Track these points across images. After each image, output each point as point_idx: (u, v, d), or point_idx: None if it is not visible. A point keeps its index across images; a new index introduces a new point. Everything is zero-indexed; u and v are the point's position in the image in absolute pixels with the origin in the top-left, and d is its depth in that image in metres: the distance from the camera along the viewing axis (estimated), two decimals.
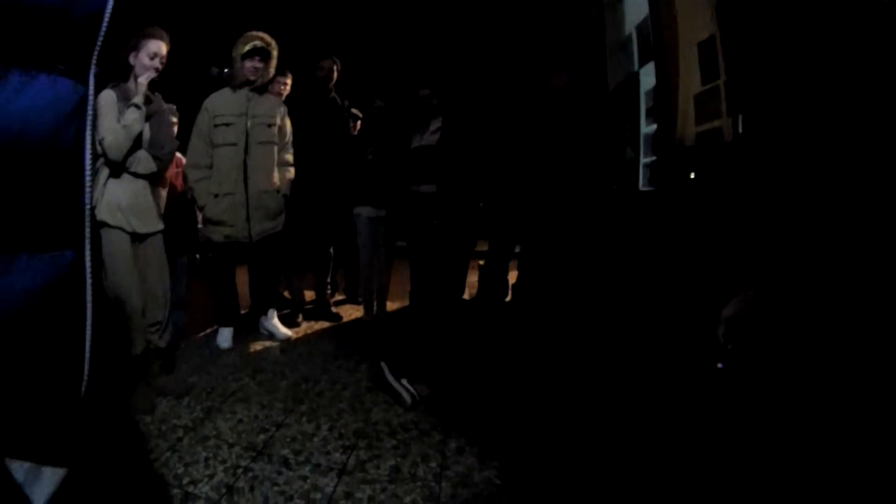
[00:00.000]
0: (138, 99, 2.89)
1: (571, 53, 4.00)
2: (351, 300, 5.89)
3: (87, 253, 0.78)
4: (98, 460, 2.30)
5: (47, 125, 0.70)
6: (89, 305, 0.79)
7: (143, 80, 2.92)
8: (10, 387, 0.72)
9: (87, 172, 0.76)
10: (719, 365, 2.27)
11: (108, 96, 2.87)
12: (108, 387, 2.89)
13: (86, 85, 0.76)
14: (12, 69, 0.66)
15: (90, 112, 0.76)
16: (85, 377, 0.79)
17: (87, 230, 0.77)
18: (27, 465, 0.82)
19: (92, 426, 2.37)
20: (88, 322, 0.79)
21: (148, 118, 2.99)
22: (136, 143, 2.93)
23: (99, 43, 0.76)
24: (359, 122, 5.48)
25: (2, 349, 0.69)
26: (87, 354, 0.79)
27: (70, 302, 0.77)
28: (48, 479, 0.85)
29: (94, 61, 0.77)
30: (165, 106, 3.20)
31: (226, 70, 4.32)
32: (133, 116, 2.86)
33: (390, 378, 3.31)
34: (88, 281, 0.79)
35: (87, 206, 0.77)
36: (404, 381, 3.25)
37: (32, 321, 0.71)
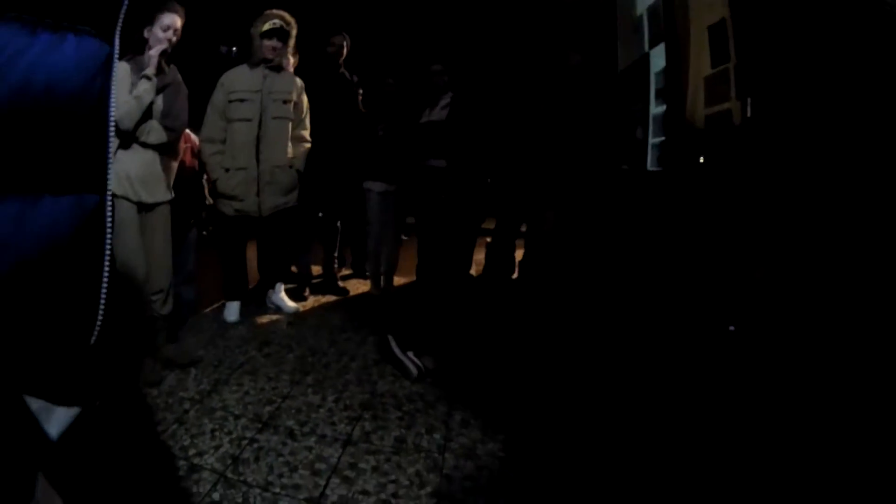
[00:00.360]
0: (149, 70, 2.91)
1: (583, 33, 3.98)
2: (358, 275, 5.90)
3: (109, 200, 0.82)
4: (106, 433, 2.34)
5: (74, 80, 0.74)
6: (108, 250, 0.83)
7: (155, 52, 2.94)
8: (29, 320, 0.75)
9: (111, 126, 0.80)
10: (731, 328, 2.29)
11: (121, 69, 2.88)
12: (115, 359, 2.93)
13: (111, 45, 0.79)
14: (41, 29, 0.69)
15: (115, 70, 0.79)
16: (99, 318, 0.83)
17: (110, 179, 0.81)
18: (40, 401, 0.86)
19: (99, 399, 2.41)
20: (106, 266, 0.82)
21: (163, 89, 3.01)
22: (148, 113, 2.95)
23: (125, 6, 0.79)
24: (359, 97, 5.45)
25: (25, 284, 0.72)
26: (103, 298, 0.82)
27: (91, 244, 0.81)
28: (62, 416, 0.88)
29: (119, 24, 0.80)
30: (180, 78, 3.22)
31: (234, 49, 4.33)
32: (144, 87, 2.88)
33: (397, 351, 3.34)
34: (108, 226, 0.82)
35: (111, 157, 0.81)
36: (410, 354, 3.29)
37: (55, 259, 0.75)
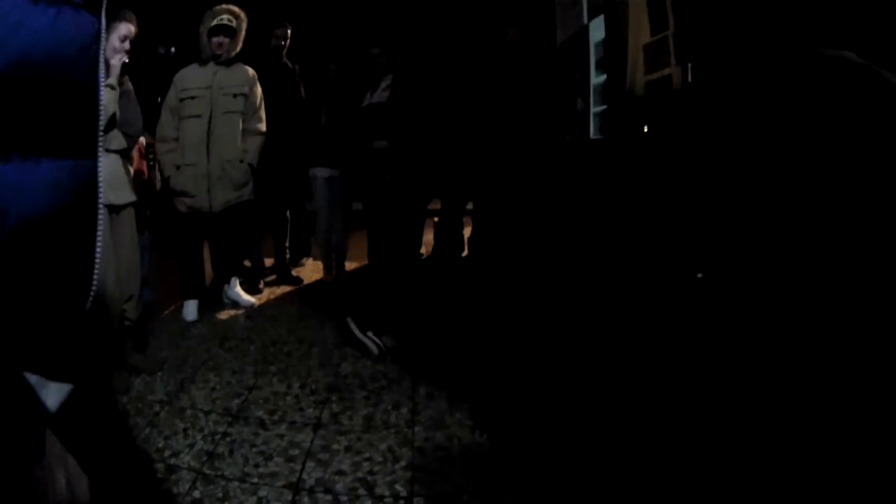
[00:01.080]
0: (112, 80, 2.89)
1: (520, 8, 4.03)
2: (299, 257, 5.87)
3: (100, 166, 0.85)
4: (81, 443, 2.32)
5: (72, 50, 0.77)
6: (101, 217, 0.85)
7: (116, 62, 2.91)
8: (30, 283, 0.77)
9: (102, 94, 0.83)
10: (699, 275, 2.37)
11: None
12: (87, 369, 2.88)
13: (100, 20, 0.82)
14: (44, 3, 0.72)
15: (104, 44, 0.82)
16: (93, 288, 0.85)
17: (101, 143, 0.84)
18: (34, 377, 0.88)
19: (73, 411, 2.38)
20: (99, 233, 0.84)
21: (119, 98, 2.98)
22: (111, 122, 2.93)
23: None
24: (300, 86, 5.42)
25: (27, 244, 0.73)
26: (97, 266, 0.85)
27: (86, 206, 0.83)
28: (56, 391, 0.90)
29: (104, 2, 0.83)
30: (131, 85, 3.19)
31: (172, 49, 4.27)
32: (108, 98, 2.85)
33: (357, 332, 3.38)
34: (100, 192, 0.84)
35: (101, 125, 0.84)
36: (370, 334, 3.34)
37: (56, 220, 0.77)
